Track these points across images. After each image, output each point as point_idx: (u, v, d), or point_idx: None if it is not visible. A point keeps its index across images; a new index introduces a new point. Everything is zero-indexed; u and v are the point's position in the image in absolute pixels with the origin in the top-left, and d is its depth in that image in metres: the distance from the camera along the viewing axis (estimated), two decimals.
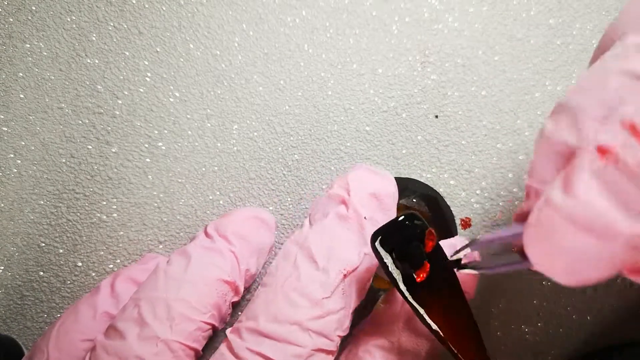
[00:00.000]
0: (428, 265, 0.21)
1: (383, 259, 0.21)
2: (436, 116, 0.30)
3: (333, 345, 0.22)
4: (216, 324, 0.24)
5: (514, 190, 0.30)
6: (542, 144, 0.16)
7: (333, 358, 0.23)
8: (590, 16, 0.30)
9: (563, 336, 0.31)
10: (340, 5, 0.30)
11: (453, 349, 0.21)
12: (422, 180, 0.30)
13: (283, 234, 0.30)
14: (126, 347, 0.21)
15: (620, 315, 0.31)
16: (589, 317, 0.31)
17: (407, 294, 0.21)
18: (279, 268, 0.23)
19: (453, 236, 0.29)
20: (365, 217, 0.23)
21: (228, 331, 0.23)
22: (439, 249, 0.22)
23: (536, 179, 0.16)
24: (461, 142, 0.30)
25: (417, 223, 0.21)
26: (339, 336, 0.23)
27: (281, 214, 0.30)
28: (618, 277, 0.30)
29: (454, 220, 0.30)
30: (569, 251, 0.14)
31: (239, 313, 0.28)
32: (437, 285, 0.21)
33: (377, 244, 0.21)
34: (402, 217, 0.21)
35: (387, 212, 0.24)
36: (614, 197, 0.13)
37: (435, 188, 0.30)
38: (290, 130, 0.30)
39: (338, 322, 0.22)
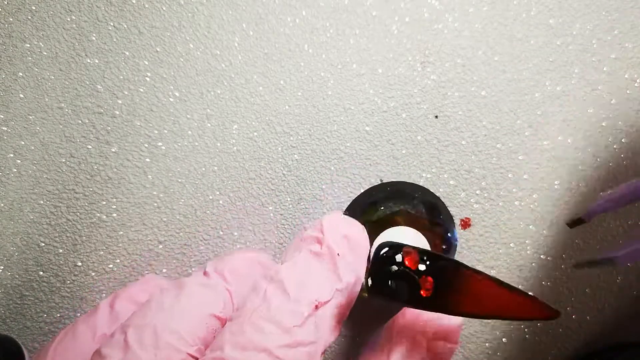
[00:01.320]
0: (429, 278, 0.21)
1: (398, 297, 0.21)
2: (436, 116, 0.30)
3: None
4: (200, 359, 0.23)
5: (514, 190, 0.30)
6: None
7: None
8: (590, 16, 0.30)
9: (563, 336, 0.31)
10: (340, 5, 0.30)
11: (519, 318, 0.21)
12: (421, 181, 0.30)
13: (283, 234, 0.30)
14: None
15: (620, 315, 0.31)
16: (588, 317, 0.31)
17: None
18: (247, 301, 0.22)
19: (451, 238, 0.29)
20: (338, 254, 0.23)
21: None
22: (429, 254, 0.22)
23: None
24: (461, 142, 0.30)
25: (391, 251, 0.21)
26: None
27: (281, 214, 0.30)
28: (618, 277, 0.30)
29: (453, 222, 0.30)
30: None
31: None
32: (451, 284, 0.21)
33: (383, 289, 0.21)
34: (379, 254, 0.21)
35: (358, 256, 0.24)
36: None
37: (435, 188, 0.30)
38: (290, 130, 0.30)
39: (308, 356, 0.21)
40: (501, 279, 0.21)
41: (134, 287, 0.27)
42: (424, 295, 0.21)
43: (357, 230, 0.24)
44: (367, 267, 0.24)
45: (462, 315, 0.21)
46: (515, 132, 0.30)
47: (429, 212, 0.29)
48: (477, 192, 0.30)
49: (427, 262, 0.21)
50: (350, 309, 0.24)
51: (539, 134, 0.30)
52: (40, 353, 0.24)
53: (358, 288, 0.24)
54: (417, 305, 0.21)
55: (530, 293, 0.21)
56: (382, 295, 0.21)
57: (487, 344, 0.30)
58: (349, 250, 0.24)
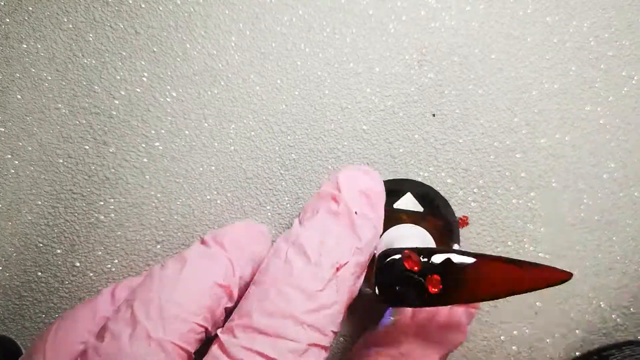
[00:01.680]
0: (436, 276, 0.21)
1: (407, 302, 0.21)
2: (433, 115, 0.30)
3: (327, 341, 0.22)
4: (209, 328, 0.24)
5: (511, 188, 0.30)
6: None
7: (327, 355, 0.22)
8: (587, 14, 0.30)
9: (562, 336, 0.31)
10: (337, 4, 0.30)
11: (535, 289, 0.21)
12: (419, 179, 0.30)
13: (280, 233, 0.30)
14: (118, 348, 0.21)
15: (619, 314, 0.31)
16: (586, 316, 0.31)
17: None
18: (270, 265, 0.23)
19: (454, 235, 0.29)
20: (355, 212, 0.23)
21: (219, 331, 0.23)
22: (429, 251, 0.22)
23: None
24: (458, 140, 0.30)
25: (391, 258, 0.21)
26: (332, 332, 0.22)
27: (279, 213, 0.30)
28: (617, 275, 0.30)
29: (455, 218, 0.30)
30: None
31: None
32: (459, 275, 0.21)
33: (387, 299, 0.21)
34: (381, 264, 0.21)
35: (375, 208, 0.24)
36: None
37: (432, 187, 0.30)
38: (287, 129, 0.30)
39: (331, 317, 0.22)
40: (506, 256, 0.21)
41: (135, 278, 0.27)
42: (433, 293, 0.21)
43: (373, 183, 0.24)
44: (373, 271, 0.24)
45: (478, 301, 0.21)
46: (512, 130, 0.30)
47: (429, 206, 0.29)
48: (475, 190, 0.30)
49: (429, 260, 0.21)
50: (369, 263, 0.24)
51: (536, 131, 0.30)
52: (42, 337, 0.25)
53: (376, 242, 0.24)
54: (429, 304, 0.21)
55: (537, 262, 0.21)
56: (391, 304, 0.21)
57: (484, 342, 0.30)
58: (366, 206, 0.24)
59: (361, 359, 0.25)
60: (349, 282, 0.23)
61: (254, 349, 0.21)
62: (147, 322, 0.22)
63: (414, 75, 0.30)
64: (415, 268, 0.21)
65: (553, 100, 0.30)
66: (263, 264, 0.24)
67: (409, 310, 0.25)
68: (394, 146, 0.30)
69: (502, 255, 0.21)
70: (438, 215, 0.29)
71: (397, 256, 0.22)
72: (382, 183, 0.25)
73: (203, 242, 0.25)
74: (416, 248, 0.22)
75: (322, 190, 0.24)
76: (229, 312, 0.25)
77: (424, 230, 0.27)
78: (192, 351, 0.23)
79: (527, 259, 0.30)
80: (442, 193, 0.30)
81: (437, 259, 0.21)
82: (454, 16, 0.30)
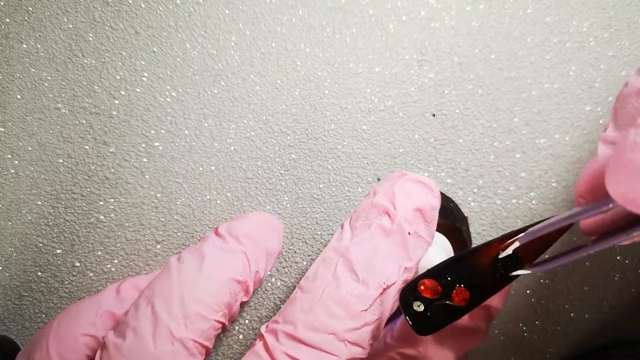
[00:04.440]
0: (460, 288, 0.21)
1: (443, 325, 0.21)
2: (433, 115, 0.30)
3: (365, 353, 0.23)
4: (226, 323, 0.24)
5: (511, 188, 0.30)
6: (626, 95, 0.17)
7: None
8: (587, 14, 0.30)
9: (561, 334, 0.31)
10: (337, 4, 0.30)
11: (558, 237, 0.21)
12: None
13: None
14: (141, 347, 0.21)
15: (619, 313, 0.31)
16: (587, 315, 0.31)
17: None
18: (318, 275, 0.23)
19: (464, 234, 0.29)
20: (409, 233, 0.23)
21: (264, 330, 0.23)
22: (443, 269, 0.22)
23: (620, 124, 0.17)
24: (458, 140, 0.30)
25: (411, 294, 0.21)
26: (370, 344, 0.23)
27: (278, 213, 0.30)
28: (616, 275, 0.30)
29: (464, 216, 0.30)
30: None
31: (244, 314, 0.28)
32: (482, 276, 0.21)
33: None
34: (403, 305, 0.21)
35: (429, 225, 0.24)
36: None
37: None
38: (287, 129, 0.30)
39: (372, 332, 0.22)
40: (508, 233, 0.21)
41: (140, 277, 0.28)
42: (464, 305, 0.21)
43: (429, 198, 0.24)
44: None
45: (503, 286, 0.21)
46: (512, 130, 0.30)
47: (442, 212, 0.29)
48: (475, 190, 0.30)
49: (446, 277, 0.21)
50: None
51: (536, 132, 0.30)
52: (44, 329, 0.25)
53: (424, 254, 0.24)
54: (464, 313, 0.21)
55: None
56: (429, 332, 0.21)
57: (486, 342, 0.30)
58: (420, 224, 0.23)
59: (377, 356, 0.25)
60: (394, 298, 0.23)
61: (296, 356, 0.21)
62: (170, 321, 0.22)
63: (414, 75, 0.30)
64: (437, 291, 0.21)
65: (553, 100, 0.30)
66: (311, 270, 0.24)
67: None
68: (394, 146, 0.30)
69: (505, 235, 0.21)
70: (450, 217, 0.29)
71: (415, 290, 0.21)
72: (439, 195, 0.24)
73: (217, 234, 0.25)
74: (429, 272, 0.21)
75: (377, 201, 0.24)
76: (243, 305, 0.26)
77: (440, 234, 0.27)
78: (211, 346, 0.24)
79: None
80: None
81: (453, 271, 0.21)
82: (454, 16, 0.30)
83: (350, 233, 0.24)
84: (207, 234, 0.26)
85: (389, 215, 0.23)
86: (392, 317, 0.27)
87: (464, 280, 0.21)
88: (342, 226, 0.25)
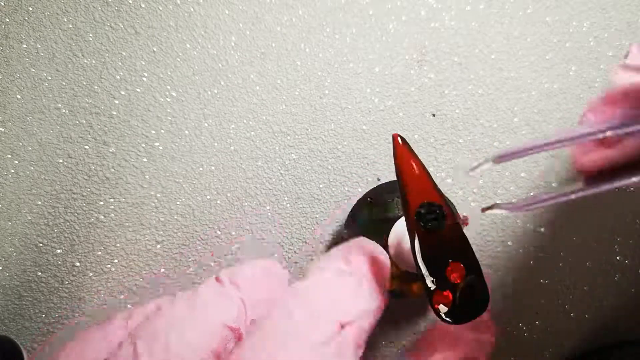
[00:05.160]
0: (450, 268, 0.21)
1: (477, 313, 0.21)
2: (433, 115, 0.30)
3: None
4: None
5: (511, 188, 0.30)
6: None
7: None
8: (587, 14, 0.30)
9: (561, 335, 0.31)
10: (337, 4, 0.30)
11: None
12: None
13: (281, 233, 0.30)
14: None
15: (619, 313, 0.31)
16: (587, 315, 0.31)
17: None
18: (268, 315, 0.22)
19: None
20: (364, 276, 0.23)
21: None
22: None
23: None
24: (458, 140, 0.30)
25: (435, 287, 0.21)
26: None
27: (278, 214, 0.30)
28: (616, 275, 0.30)
29: (460, 217, 0.29)
30: None
31: None
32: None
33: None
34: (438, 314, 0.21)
35: (383, 278, 0.24)
36: None
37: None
38: (287, 129, 0.30)
39: None
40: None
41: (150, 305, 0.26)
42: (464, 276, 0.21)
43: (383, 252, 0.24)
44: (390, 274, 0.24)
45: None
46: (512, 130, 0.30)
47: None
48: (475, 190, 0.30)
49: (434, 270, 0.21)
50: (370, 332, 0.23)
51: (536, 132, 0.30)
52: (53, 358, 0.24)
53: (382, 308, 0.24)
54: (481, 278, 0.21)
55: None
56: (465, 321, 0.21)
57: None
58: (375, 271, 0.23)
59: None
60: (352, 346, 0.22)
61: None
62: None
63: (414, 75, 0.30)
64: (460, 274, 0.21)
65: (553, 101, 0.30)
66: (257, 312, 0.23)
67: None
68: None
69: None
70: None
71: (433, 287, 0.21)
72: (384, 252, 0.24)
73: (218, 280, 0.24)
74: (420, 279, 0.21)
75: (332, 252, 0.24)
76: None
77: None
78: None
79: (527, 260, 0.30)
80: None
81: (433, 261, 0.21)
82: (454, 16, 0.30)
83: (303, 279, 0.23)
84: (206, 279, 0.26)
85: (345, 261, 0.23)
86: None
87: (449, 258, 0.21)
88: None
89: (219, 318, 0.23)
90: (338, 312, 0.22)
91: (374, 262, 0.24)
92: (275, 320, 0.22)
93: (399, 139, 0.21)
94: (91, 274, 0.29)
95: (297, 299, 0.22)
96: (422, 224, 0.21)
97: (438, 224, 0.21)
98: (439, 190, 0.21)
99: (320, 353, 0.21)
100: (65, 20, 0.29)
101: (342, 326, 0.22)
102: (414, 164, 0.21)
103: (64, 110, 0.29)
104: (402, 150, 0.21)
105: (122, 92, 0.29)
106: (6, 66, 0.29)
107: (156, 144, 0.29)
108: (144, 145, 0.29)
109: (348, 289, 0.23)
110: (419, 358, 0.24)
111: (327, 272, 0.23)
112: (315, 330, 0.21)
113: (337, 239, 0.30)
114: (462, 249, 0.21)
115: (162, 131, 0.29)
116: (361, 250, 0.24)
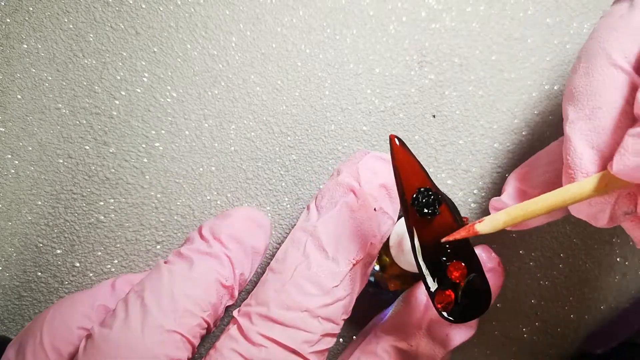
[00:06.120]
0: (451, 267, 0.21)
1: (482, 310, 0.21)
2: (433, 116, 0.30)
3: (338, 328, 0.23)
4: (211, 325, 0.24)
5: None
6: None
7: (335, 339, 0.24)
8: (587, 15, 0.30)
9: (561, 336, 0.31)
10: (338, 5, 0.30)
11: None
12: None
13: (280, 233, 0.30)
14: (130, 336, 0.21)
15: (619, 314, 0.31)
16: (587, 317, 0.31)
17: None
18: (288, 255, 0.24)
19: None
20: (375, 209, 0.24)
21: (236, 313, 0.24)
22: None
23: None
24: (458, 141, 0.30)
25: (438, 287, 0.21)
26: (343, 319, 0.23)
27: (279, 214, 0.30)
28: (616, 277, 0.30)
29: (461, 217, 0.30)
30: None
31: (231, 314, 0.28)
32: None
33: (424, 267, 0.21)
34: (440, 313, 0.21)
35: (394, 201, 0.24)
36: None
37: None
38: (287, 130, 0.30)
39: (344, 307, 0.23)
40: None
41: (135, 275, 0.28)
42: (464, 273, 0.21)
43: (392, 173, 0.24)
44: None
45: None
46: (512, 131, 0.30)
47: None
48: (475, 191, 0.30)
49: (433, 269, 0.21)
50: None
51: (536, 133, 0.30)
52: (38, 319, 0.24)
53: (391, 230, 0.25)
54: (484, 276, 0.21)
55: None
56: (469, 318, 0.21)
57: (486, 344, 0.30)
58: (386, 200, 0.24)
59: (368, 349, 0.25)
60: (362, 272, 0.24)
61: (270, 336, 0.22)
62: (159, 313, 0.22)
63: (414, 77, 0.30)
64: (461, 273, 0.21)
65: (553, 102, 0.30)
66: (280, 251, 0.24)
67: (421, 303, 0.25)
68: None
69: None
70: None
71: (435, 287, 0.21)
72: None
73: (202, 237, 0.25)
74: (422, 281, 0.21)
75: (341, 180, 0.24)
76: (227, 308, 0.26)
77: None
78: (196, 345, 0.24)
79: (527, 261, 0.30)
80: None
81: (432, 261, 0.21)
82: (454, 17, 0.30)
83: (316, 213, 0.24)
84: (191, 234, 0.26)
85: (354, 193, 0.24)
86: (380, 309, 0.27)
87: (449, 257, 0.21)
88: (307, 207, 0.25)
89: (214, 276, 0.24)
90: (349, 252, 0.23)
91: (386, 188, 0.24)
92: (294, 262, 0.23)
93: (395, 139, 0.21)
94: (91, 274, 0.29)
95: (311, 239, 0.23)
96: (418, 211, 0.21)
97: (434, 210, 0.21)
98: (434, 184, 0.21)
99: (335, 294, 0.23)
100: (66, 20, 0.29)
101: (354, 264, 0.23)
102: (411, 163, 0.21)
103: (64, 111, 0.29)
104: (399, 150, 0.21)
105: (123, 93, 0.29)
106: (7, 66, 0.29)
107: (156, 144, 0.29)
108: (144, 145, 0.29)
109: (358, 224, 0.24)
110: (394, 339, 0.25)
111: (337, 207, 0.24)
112: (330, 277, 0.23)
113: None
114: (463, 248, 0.21)
115: (163, 132, 0.29)
116: (370, 176, 0.24)
